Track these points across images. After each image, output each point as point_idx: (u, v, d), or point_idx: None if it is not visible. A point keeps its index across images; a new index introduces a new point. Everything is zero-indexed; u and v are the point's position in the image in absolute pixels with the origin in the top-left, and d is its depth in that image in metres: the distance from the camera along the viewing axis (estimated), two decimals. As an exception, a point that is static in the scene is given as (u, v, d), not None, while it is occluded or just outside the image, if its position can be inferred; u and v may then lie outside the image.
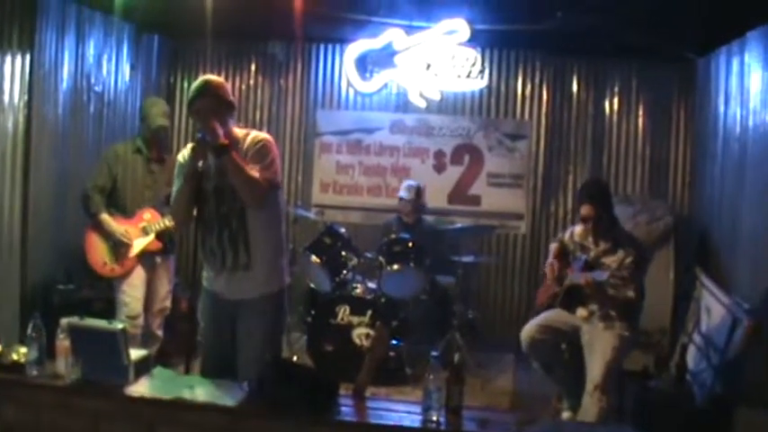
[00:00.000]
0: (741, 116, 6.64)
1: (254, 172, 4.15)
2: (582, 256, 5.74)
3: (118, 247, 6.02)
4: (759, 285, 5.43)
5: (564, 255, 5.95)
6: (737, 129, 6.72)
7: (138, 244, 6.04)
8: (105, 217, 6.02)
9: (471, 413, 3.77)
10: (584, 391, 5.42)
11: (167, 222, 6.00)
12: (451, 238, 7.99)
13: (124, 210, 6.09)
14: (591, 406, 5.32)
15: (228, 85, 4.48)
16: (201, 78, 4.39)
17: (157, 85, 8.86)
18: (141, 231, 6.05)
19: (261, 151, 4.28)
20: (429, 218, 8.06)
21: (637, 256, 5.48)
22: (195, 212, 4.33)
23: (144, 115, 6.19)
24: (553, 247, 6.10)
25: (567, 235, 6.04)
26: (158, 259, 6.21)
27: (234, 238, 4.31)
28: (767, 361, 4.96)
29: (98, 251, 6.06)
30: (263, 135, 4.38)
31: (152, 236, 6.06)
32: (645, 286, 5.55)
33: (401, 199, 7.80)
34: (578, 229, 5.89)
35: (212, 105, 4.23)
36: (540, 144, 8.68)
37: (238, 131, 4.37)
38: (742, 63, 6.70)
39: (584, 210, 5.63)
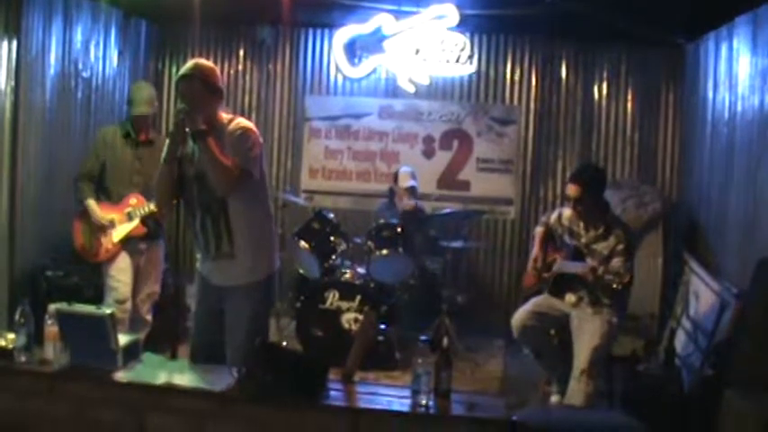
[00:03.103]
0: (729, 101, 6.66)
1: (230, 160, 4.11)
2: (571, 242, 5.74)
3: (101, 232, 6.01)
4: (747, 270, 5.44)
5: (550, 238, 5.94)
6: (726, 114, 6.73)
7: (122, 229, 6.02)
8: (91, 203, 6.01)
9: (460, 397, 3.79)
10: (572, 375, 5.44)
11: (152, 207, 5.98)
12: (441, 223, 7.98)
13: (112, 196, 6.08)
14: (578, 390, 5.34)
15: (218, 71, 4.45)
16: (191, 61, 4.36)
17: (145, 70, 8.83)
18: (126, 217, 6.04)
19: (240, 139, 4.23)
20: (420, 202, 8.03)
21: (627, 242, 5.48)
22: (179, 197, 4.31)
23: (129, 100, 6.19)
24: (538, 231, 6.10)
25: (553, 217, 6.03)
26: (143, 245, 6.19)
27: (216, 226, 4.29)
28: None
29: (83, 236, 6.07)
30: (246, 123, 4.34)
31: (136, 221, 6.05)
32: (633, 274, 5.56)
33: (413, 188, 7.72)
34: (567, 212, 5.87)
35: (198, 89, 4.20)
36: (530, 129, 8.69)
37: (224, 117, 4.33)
38: (730, 48, 6.71)
39: (569, 189, 5.63)
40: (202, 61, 4.41)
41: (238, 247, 4.29)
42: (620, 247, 5.46)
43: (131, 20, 8.36)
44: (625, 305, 5.69)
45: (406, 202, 7.61)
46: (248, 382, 3.70)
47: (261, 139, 4.35)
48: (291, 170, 9.04)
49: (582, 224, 5.72)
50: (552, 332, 6.02)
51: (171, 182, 4.23)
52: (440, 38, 8.45)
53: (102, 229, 5.99)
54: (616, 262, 5.42)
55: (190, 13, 7.28)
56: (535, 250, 6.02)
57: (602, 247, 5.53)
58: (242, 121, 4.34)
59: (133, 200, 6.06)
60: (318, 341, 6.82)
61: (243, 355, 3.93)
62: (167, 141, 4.24)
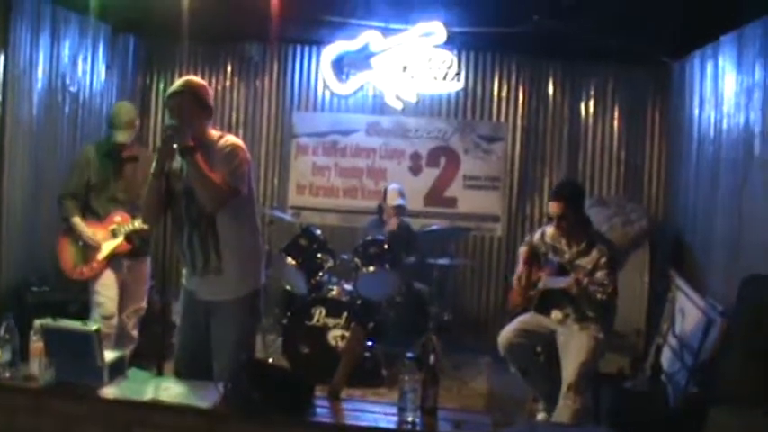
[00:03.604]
0: (715, 119, 6.70)
1: (218, 177, 4.11)
2: (554, 258, 5.76)
3: (87, 250, 5.98)
4: (733, 287, 5.46)
5: (534, 257, 5.96)
6: (711, 132, 6.77)
7: (107, 247, 5.99)
8: (76, 220, 5.97)
9: (446, 414, 3.79)
10: (560, 392, 5.44)
11: (136, 224, 5.95)
12: (427, 241, 7.98)
13: (96, 213, 6.05)
14: (565, 407, 5.34)
15: (210, 89, 4.46)
16: (183, 78, 4.38)
17: (133, 85, 8.83)
18: (110, 234, 6.01)
19: (228, 156, 4.23)
20: (408, 219, 8.04)
21: (610, 255, 5.51)
22: (167, 212, 4.31)
23: (110, 123, 6.14)
24: (522, 250, 6.11)
25: (536, 236, 6.05)
26: (127, 262, 6.16)
27: (204, 241, 4.28)
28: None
29: (68, 254, 6.03)
30: (234, 140, 4.34)
31: (120, 238, 6.01)
32: (617, 287, 5.58)
33: (401, 206, 7.75)
34: (550, 230, 5.90)
35: (187, 105, 4.20)
36: (516, 146, 8.71)
37: (213, 134, 4.34)
38: (716, 67, 6.75)
39: (552, 207, 5.66)
40: (193, 78, 4.42)
41: (226, 262, 4.28)
42: (603, 260, 5.48)
43: (119, 35, 8.38)
44: (611, 322, 5.70)
45: (392, 222, 7.62)
46: (235, 398, 3.69)
47: (249, 156, 4.35)
48: (279, 186, 9.04)
49: (564, 240, 5.75)
50: (539, 349, 6.03)
51: (159, 197, 4.22)
52: (427, 55, 8.49)
53: (89, 247, 5.96)
54: (600, 274, 5.44)
55: (178, 29, 7.28)
56: (519, 268, 6.04)
57: (586, 262, 5.55)
58: (231, 138, 4.34)
59: (117, 217, 6.03)
60: (305, 358, 6.80)
61: (230, 369, 3.92)
62: (155, 157, 4.24)
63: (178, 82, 4.31)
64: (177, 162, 4.23)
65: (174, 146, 4.07)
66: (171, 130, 4.07)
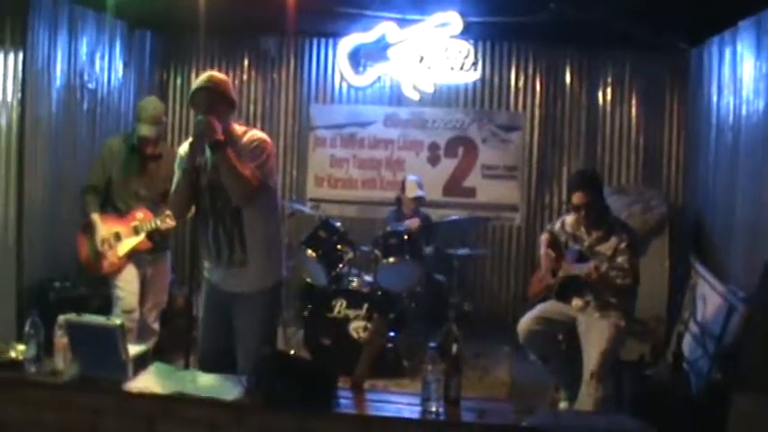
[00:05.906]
0: (734, 105, 6.66)
1: (247, 170, 4.15)
2: (575, 246, 5.75)
3: (106, 246, 5.99)
4: (754, 273, 5.44)
5: (555, 245, 5.95)
6: (730, 118, 6.73)
7: (128, 243, 5.99)
8: (95, 218, 5.98)
9: (469, 404, 3.79)
10: (582, 380, 5.44)
11: (158, 222, 5.96)
12: (447, 231, 7.99)
13: (118, 208, 6.06)
14: (587, 395, 5.33)
15: (231, 82, 4.49)
16: (206, 73, 4.42)
17: (150, 81, 8.86)
18: (132, 230, 6.02)
19: (256, 150, 4.29)
20: (425, 210, 8.04)
21: (630, 240, 5.50)
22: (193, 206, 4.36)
23: (136, 117, 6.15)
24: (543, 238, 6.10)
25: (557, 225, 6.04)
26: (149, 257, 6.19)
27: (229, 234, 4.34)
28: (762, 348, 4.96)
29: (88, 249, 6.05)
30: (261, 135, 4.40)
31: (142, 236, 6.02)
32: (639, 273, 5.57)
33: (420, 198, 7.77)
34: (569, 219, 5.89)
35: (213, 100, 4.24)
36: (534, 135, 8.70)
37: (238, 128, 4.39)
38: (734, 52, 6.71)
39: (576, 197, 5.64)
40: (216, 73, 4.47)
41: (251, 254, 4.34)
42: (623, 245, 5.48)
43: (136, 31, 8.40)
44: (632, 309, 5.69)
45: (412, 222, 7.61)
46: (259, 390, 3.71)
47: (275, 150, 4.40)
48: (297, 179, 9.07)
49: (584, 228, 5.74)
50: (560, 338, 6.03)
51: (189, 192, 4.27)
52: (444, 45, 8.49)
53: (107, 242, 5.97)
54: (620, 259, 5.45)
55: (194, 24, 7.31)
56: (544, 250, 6.00)
57: (605, 249, 5.55)
58: (257, 133, 4.39)
59: (140, 214, 6.03)
60: (326, 350, 6.81)
61: (253, 361, 3.95)
62: (183, 151, 4.30)
63: (201, 78, 4.36)
64: (202, 157, 4.26)
65: (206, 140, 4.12)
66: (202, 125, 4.11)
